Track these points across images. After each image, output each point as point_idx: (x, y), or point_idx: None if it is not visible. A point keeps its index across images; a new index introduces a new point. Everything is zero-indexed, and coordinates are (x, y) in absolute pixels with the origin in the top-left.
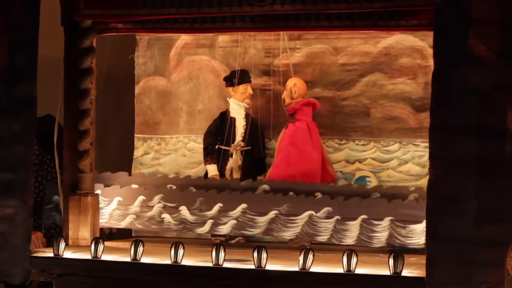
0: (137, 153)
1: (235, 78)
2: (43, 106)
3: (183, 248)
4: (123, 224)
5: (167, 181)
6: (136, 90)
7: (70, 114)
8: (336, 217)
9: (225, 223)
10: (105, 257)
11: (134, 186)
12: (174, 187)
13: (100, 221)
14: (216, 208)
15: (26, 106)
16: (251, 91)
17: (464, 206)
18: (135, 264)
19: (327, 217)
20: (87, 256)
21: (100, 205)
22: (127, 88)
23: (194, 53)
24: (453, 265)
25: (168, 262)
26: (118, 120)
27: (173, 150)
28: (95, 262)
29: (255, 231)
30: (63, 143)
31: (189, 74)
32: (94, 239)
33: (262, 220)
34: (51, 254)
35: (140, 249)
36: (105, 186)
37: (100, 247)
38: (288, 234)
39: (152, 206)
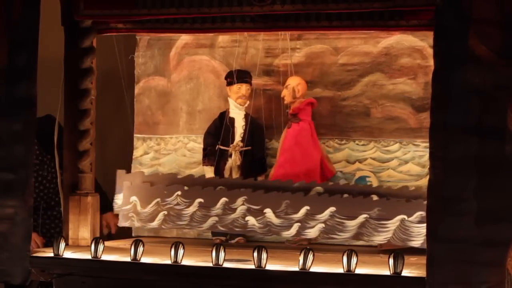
0: (136, 153)
1: (231, 77)
2: (43, 106)
3: (183, 248)
4: (204, 227)
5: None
6: (136, 90)
7: (70, 114)
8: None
9: (312, 227)
10: (105, 257)
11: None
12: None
13: (180, 223)
14: (303, 211)
15: (26, 106)
16: (244, 92)
17: (464, 206)
18: (135, 264)
19: (420, 222)
20: (87, 256)
21: (180, 207)
22: (127, 88)
23: (194, 53)
24: (454, 265)
25: (168, 262)
26: (118, 120)
27: (173, 150)
28: (95, 262)
29: (344, 235)
30: (63, 143)
31: (189, 74)
32: (94, 239)
33: (352, 224)
34: (51, 254)
35: (140, 249)
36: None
37: (100, 247)
38: (379, 238)
39: (235, 209)
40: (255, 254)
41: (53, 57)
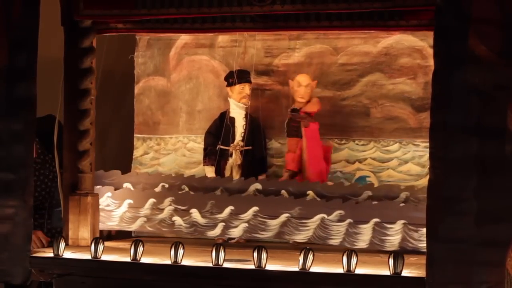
0: (136, 153)
1: (232, 78)
2: (43, 106)
3: (183, 248)
4: (133, 227)
5: (161, 179)
6: (136, 90)
7: (70, 114)
8: (348, 220)
9: (236, 226)
10: (105, 257)
11: (127, 184)
12: (166, 185)
13: (110, 223)
14: (227, 211)
15: (26, 106)
16: (248, 91)
17: (464, 206)
18: (135, 264)
19: (339, 220)
20: (87, 256)
21: (110, 208)
22: (127, 88)
23: (194, 53)
24: (453, 265)
25: (168, 262)
26: (118, 120)
27: (173, 150)
28: (95, 262)
29: (267, 234)
30: (63, 143)
31: (189, 74)
32: (94, 239)
33: (274, 223)
34: (51, 254)
35: (140, 249)
36: (115, 189)
37: (100, 247)
38: (300, 237)
39: (163, 209)
40: (255, 254)
41: (53, 57)
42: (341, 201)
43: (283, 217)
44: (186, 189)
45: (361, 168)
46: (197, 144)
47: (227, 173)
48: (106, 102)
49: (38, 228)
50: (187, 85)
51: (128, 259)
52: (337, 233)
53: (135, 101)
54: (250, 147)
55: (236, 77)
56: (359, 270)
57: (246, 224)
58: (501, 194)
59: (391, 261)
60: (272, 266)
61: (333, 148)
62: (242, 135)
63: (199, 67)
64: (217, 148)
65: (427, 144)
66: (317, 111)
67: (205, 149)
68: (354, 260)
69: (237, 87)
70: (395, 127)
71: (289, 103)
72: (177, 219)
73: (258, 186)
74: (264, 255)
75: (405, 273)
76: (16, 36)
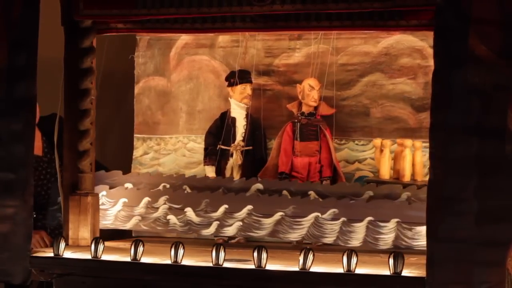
0: (136, 153)
1: (234, 78)
2: (43, 106)
3: (183, 248)
4: (128, 226)
5: (162, 180)
6: (136, 90)
7: (70, 114)
8: (342, 218)
9: (230, 225)
10: (105, 257)
11: (128, 185)
12: (168, 186)
13: (105, 222)
14: (222, 209)
15: (26, 106)
16: (249, 91)
17: (464, 206)
18: (135, 264)
19: (333, 219)
20: (87, 256)
21: (105, 206)
22: (127, 88)
23: (194, 53)
24: (454, 265)
25: (168, 262)
26: (118, 120)
27: (173, 150)
28: (95, 262)
29: (261, 233)
30: (63, 142)
31: (189, 74)
32: (94, 239)
33: (268, 222)
34: (51, 254)
35: (140, 249)
36: (110, 187)
37: (100, 247)
38: (294, 236)
39: (158, 208)
40: (255, 254)
41: (53, 57)
42: (335, 200)
43: (277, 215)
44: (188, 189)
45: (361, 168)
46: (197, 144)
47: (227, 173)
48: (106, 102)
49: (42, 228)
50: (187, 85)
51: (128, 259)
52: (331, 231)
53: (135, 101)
54: (250, 147)
55: (237, 77)
56: (359, 270)
57: (240, 223)
58: (501, 194)
59: (391, 261)
60: (272, 266)
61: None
62: (243, 135)
63: (199, 67)
64: (218, 148)
65: (427, 144)
66: (330, 114)
67: (205, 149)
68: (354, 260)
69: (239, 87)
70: (395, 127)
71: (288, 103)
72: (172, 218)
73: (259, 186)
74: (264, 255)
75: (405, 273)
76: (16, 36)
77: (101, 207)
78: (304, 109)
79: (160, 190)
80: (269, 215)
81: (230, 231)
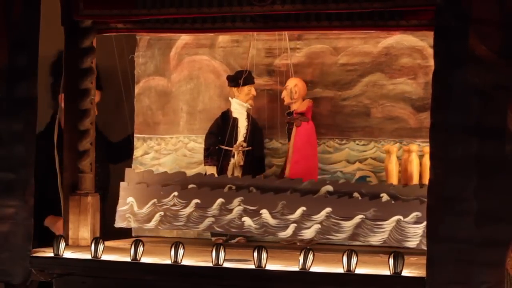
0: (137, 153)
1: (241, 78)
2: (43, 106)
3: (183, 248)
4: (201, 227)
5: (227, 180)
6: (136, 90)
7: (70, 114)
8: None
9: (308, 227)
10: (105, 257)
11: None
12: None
13: (176, 224)
14: (299, 211)
15: (26, 106)
16: (254, 92)
17: (464, 206)
18: (135, 264)
19: (416, 222)
20: (87, 256)
21: (176, 208)
22: (127, 88)
23: (194, 53)
24: (453, 265)
25: (168, 262)
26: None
27: (173, 150)
28: (95, 262)
29: (340, 236)
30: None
31: (189, 74)
32: (94, 239)
33: (348, 225)
34: (51, 254)
35: (140, 249)
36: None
37: (100, 247)
38: (375, 239)
39: (232, 209)
40: (255, 254)
41: (53, 57)
42: (418, 203)
43: (358, 218)
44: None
45: (362, 168)
46: (198, 144)
47: (229, 173)
48: (106, 102)
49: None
50: (188, 85)
51: (128, 259)
52: (414, 235)
53: (135, 101)
54: (250, 148)
55: (244, 78)
56: (359, 270)
57: (319, 225)
58: (501, 194)
59: (391, 261)
60: (272, 266)
61: (333, 148)
62: (245, 135)
63: (199, 67)
64: (218, 147)
65: (427, 144)
66: (307, 110)
67: (206, 149)
68: (354, 260)
69: (245, 89)
70: (395, 127)
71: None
72: (247, 220)
73: (329, 188)
74: (264, 255)
75: (405, 273)
76: (16, 36)
77: (172, 208)
78: (291, 108)
79: (233, 191)
80: (349, 218)
81: (308, 233)
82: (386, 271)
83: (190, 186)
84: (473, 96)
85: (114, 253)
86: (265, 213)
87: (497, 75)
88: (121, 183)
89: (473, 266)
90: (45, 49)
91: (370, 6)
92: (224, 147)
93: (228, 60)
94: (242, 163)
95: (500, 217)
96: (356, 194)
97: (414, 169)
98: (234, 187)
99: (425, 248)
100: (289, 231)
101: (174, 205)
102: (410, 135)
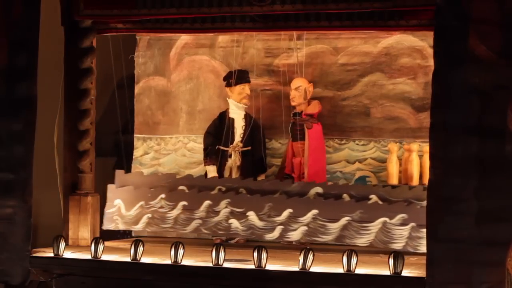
0: (136, 153)
1: (232, 78)
2: (43, 106)
3: (183, 248)
4: (188, 230)
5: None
6: (136, 90)
7: (70, 114)
8: (412, 224)
9: (295, 229)
10: (105, 257)
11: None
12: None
13: (164, 226)
14: (286, 214)
15: (26, 106)
16: (248, 92)
17: (464, 206)
18: (135, 264)
19: (402, 224)
20: (87, 256)
21: (164, 210)
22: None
23: (194, 53)
24: (453, 265)
25: (168, 262)
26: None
27: (173, 150)
28: (95, 262)
29: (327, 238)
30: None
31: (189, 74)
32: (94, 239)
33: (334, 227)
34: (51, 254)
35: (140, 249)
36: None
37: (100, 247)
38: (362, 241)
39: (219, 211)
40: (255, 254)
41: (53, 57)
42: (405, 205)
43: (344, 220)
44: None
45: (361, 168)
46: (198, 144)
47: (226, 173)
48: (106, 102)
49: None
50: (188, 85)
51: (128, 259)
52: (400, 237)
53: (135, 101)
54: (249, 148)
55: (236, 77)
56: (359, 270)
57: (306, 227)
58: (501, 194)
59: (391, 261)
60: (272, 266)
61: (333, 148)
62: (241, 136)
63: (199, 67)
64: (217, 147)
65: (427, 144)
66: (318, 112)
67: (205, 149)
68: (354, 260)
69: (237, 88)
70: (395, 127)
71: (289, 103)
72: (234, 222)
73: (318, 189)
74: (264, 255)
75: (405, 273)
76: (16, 36)
77: (159, 210)
78: (297, 108)
79: (221, 193)
80: (335, 220)
81: (294, 235)
82: (386, 271)
83: (180, 187)
84: (473, 96)
85: (114, 253)
86: (252, 215)
87: (497, 75)
88: (108, 185)
89: (473, 266)
90: (45, 49)
91: (370, 6)
92: (221, 148)
93: (228, 60)
94: (239, 163)
95: (500, 217)
96: (344, 196)
97: (414, 168)
98: (224, 189)
99: (412, 251)
100: (275, 233)
101: (161, 207)
102: (410, 135)
